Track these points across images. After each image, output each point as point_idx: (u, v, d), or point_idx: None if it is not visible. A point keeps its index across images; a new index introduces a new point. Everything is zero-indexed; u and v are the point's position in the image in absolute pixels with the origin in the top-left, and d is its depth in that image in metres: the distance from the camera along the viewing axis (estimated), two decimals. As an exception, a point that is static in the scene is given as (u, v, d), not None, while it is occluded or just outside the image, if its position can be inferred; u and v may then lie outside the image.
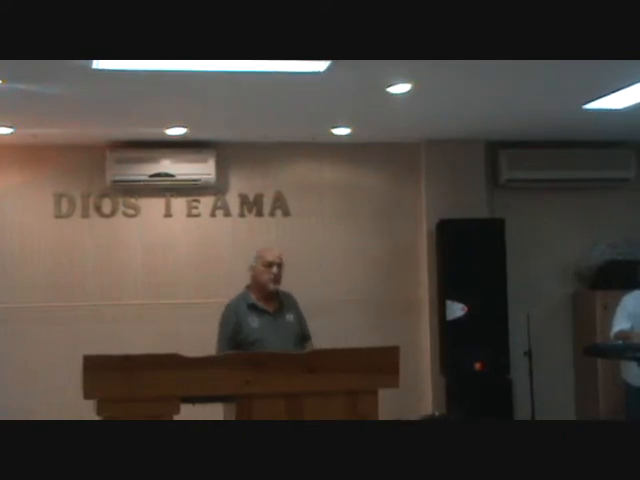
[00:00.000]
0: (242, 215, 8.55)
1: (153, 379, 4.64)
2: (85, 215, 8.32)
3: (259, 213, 8.59)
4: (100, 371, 4.64)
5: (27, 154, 8.18)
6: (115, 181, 8.20)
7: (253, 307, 5.88)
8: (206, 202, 8.50)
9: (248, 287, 6.01)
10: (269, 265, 5.88)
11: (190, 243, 8.39)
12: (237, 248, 8.30)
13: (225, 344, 5.80)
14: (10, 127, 7.49)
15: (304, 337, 6.00)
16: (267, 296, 5.91)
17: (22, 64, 5.12)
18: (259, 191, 8.59)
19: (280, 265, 5.92)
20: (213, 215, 8.50)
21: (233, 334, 5.82)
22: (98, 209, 8.35)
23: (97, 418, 4.56)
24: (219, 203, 8.52)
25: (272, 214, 8.60)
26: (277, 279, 5.89)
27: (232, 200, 8.55)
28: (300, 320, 6.02)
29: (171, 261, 8.37)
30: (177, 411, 4.59)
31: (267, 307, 5.90)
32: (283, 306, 5.96)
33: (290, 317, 5.95)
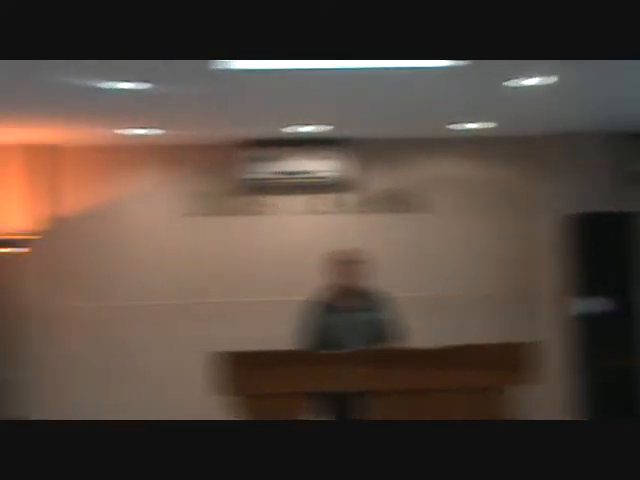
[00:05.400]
0: (376, 212, 8.59)
1: (285, 375, 4.73)
2: (219, 213, 8.52)
3: (393, 210, 8.61)
4: (236, 367, 4.76)
5: (160, 154, 8.43)
6: (246, 179, 8.35)
7: (330, 305, 6.09)
8: (338, 199, 8.57)
9: (329, 286, 6.21)
10: (340, 263, 6.13)
11: (323, 241, 8.30)
12: (372, 246, 8.31)
13: (307, 341, 5.99)
14: (145, 128, 7.72)
15: (390, 336, 6.07)
16: (346, 293, 6.11)
17: (162, 66, 5.29)
18: (393, 187, 8.60)
19: (353, 262, 6.14)
20: (346, 212, 8.57)
21: (312, 331, 6.03)
22: (231, 207, 8.53)
23: (228, 414, 4.69)
24: (351, 200, 8.58)
25: (407, 210, 8.61)
26: (350, 276, 6.11)
27: (365, 197, 8.60)
28: (385, 319, 6.13)
29: (304, 258, 8.38)
30: (309, 407, 4.69)
31: (345, 304, 6.08)
32: (366, 304, 6.13)
33: (371, 315, 6.09)
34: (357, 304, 6.11)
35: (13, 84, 5.90)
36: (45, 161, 8.33)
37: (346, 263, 6.14)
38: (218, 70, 5.53)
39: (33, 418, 7.74)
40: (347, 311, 6.08)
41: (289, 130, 7.96)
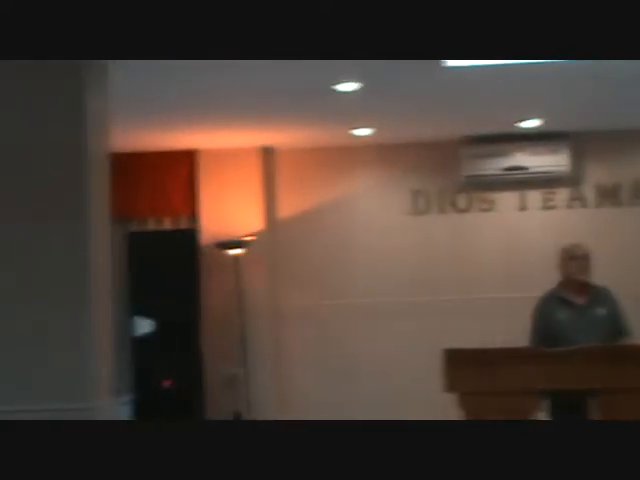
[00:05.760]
0: (600, 206, 8.40)
1: (514, 373, 4.65)
2: (441, 211, 8.53)
3: (617, 203, 8.38)
4: (460, 364, 4.71)
5: (384, 153, 8.48)
6: (469, 176, 8.32)
7: (562, 300, 5.94)
8: (562, 194, 8.42)
9: (560, 283, 6.06)
10: (572, 258, 5.97)
11: (546, 236, 8.23)
12: (595, 240, 8.05)
13: (536, 338, 5.88)
14: (368, 128, 7.79)
15: (619, 333, 5.89)
16: (577, 289, 5.95)
17: (376, 67, 5.30)
18: (617, 181, 8.38)
19: (584, 257, 5.98)
20: (569, 207, 8.42)
21: (544, 327, 5.91)
22: (453, 205, 8.51)
23: (459, 412, 4.63)
24: (575, 194, 8.41)
25: (633, 204, 8.36)
26: (582, 270, 5.94)
27: (589, 191, 8.41)
28: (615, 315, 5.96)
29: (527, 254, 8.32)
30: (541, 406, 4.55)
31: (577, 300, 5.92)
32: (595, 300, 5.95)
33: (602, 311, 5.92)
34: (588, 300, 5.96)
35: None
36: (264, 164, 8.53)
37: (577, 258, 6.02)
38: (445, 68, 5.51)
39: (261, 417, 7.93)
40: (579, 307, 5.95)
41: (514, 125, 7.89)
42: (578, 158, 8.30)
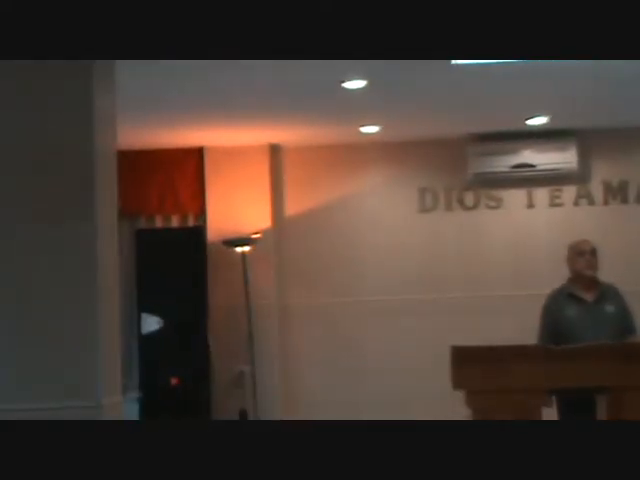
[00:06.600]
0: (607, 203, 8.39)
1: (522, 371, 4.64)
2: (449, 209, 8.51)
3: (624, 201, 8.37)
4: (468, 362, 4.70)
5: (391, 151, 8.48)
6: (476, 174, 8.31)
7: (571, 296, 5.97)
8: (569, 191, 8.41)
9: (569, 279, 6.09)
10: (581, 253, 6.02)
11: (553, 233, 8.24)
12: (602, 237, 8.04)
13: (545, 335, 5.92)
14: (375, 125, 7.79)
15: (627, 330, 5.92)
16: (586, 285, 5.98)
17: (383, 65, 5.30)
18: (624, 178, 8.36)
19: (592, 253, 6.02)
20: (576, 204, 8.41)
21: (552, 324, 5.94)
22: (461, 202, 8.50)
23: (465, 409, 4.62)
24: (582, 192, 8.41)
25: (639, 201, 8.34)
26: (591, 266, 5.98)
27: (596, 188, 8.40)
28: (623, 312, 6.00)
29: (534, 252, 8.32)
30: (548, 404, 4.54)
31: (585, 296, 5.95)
32: (603, 296, 5.98)
33: (610, 308, 5.95)
34: (597, 296, 5.98)
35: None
36: (272, 161, 8.55)
37: (584, 254, 6.06)
38: (452, 65, 5.51)
39: (268, 415, 7.95)
40: (587, 303, 5.97)
41: (521, 123, 7.89)
42: (585, 156, 8.29)
